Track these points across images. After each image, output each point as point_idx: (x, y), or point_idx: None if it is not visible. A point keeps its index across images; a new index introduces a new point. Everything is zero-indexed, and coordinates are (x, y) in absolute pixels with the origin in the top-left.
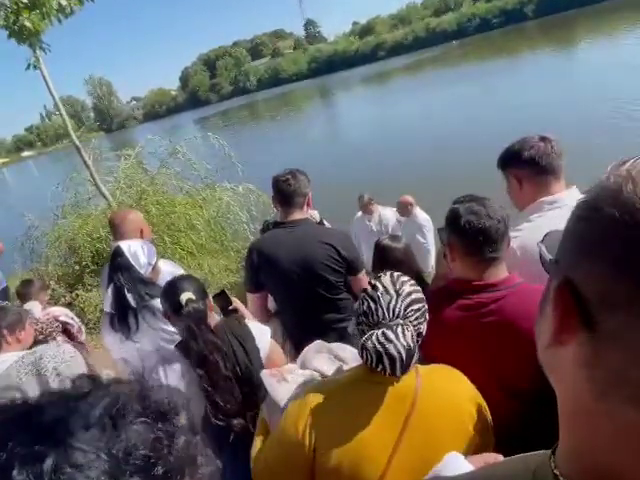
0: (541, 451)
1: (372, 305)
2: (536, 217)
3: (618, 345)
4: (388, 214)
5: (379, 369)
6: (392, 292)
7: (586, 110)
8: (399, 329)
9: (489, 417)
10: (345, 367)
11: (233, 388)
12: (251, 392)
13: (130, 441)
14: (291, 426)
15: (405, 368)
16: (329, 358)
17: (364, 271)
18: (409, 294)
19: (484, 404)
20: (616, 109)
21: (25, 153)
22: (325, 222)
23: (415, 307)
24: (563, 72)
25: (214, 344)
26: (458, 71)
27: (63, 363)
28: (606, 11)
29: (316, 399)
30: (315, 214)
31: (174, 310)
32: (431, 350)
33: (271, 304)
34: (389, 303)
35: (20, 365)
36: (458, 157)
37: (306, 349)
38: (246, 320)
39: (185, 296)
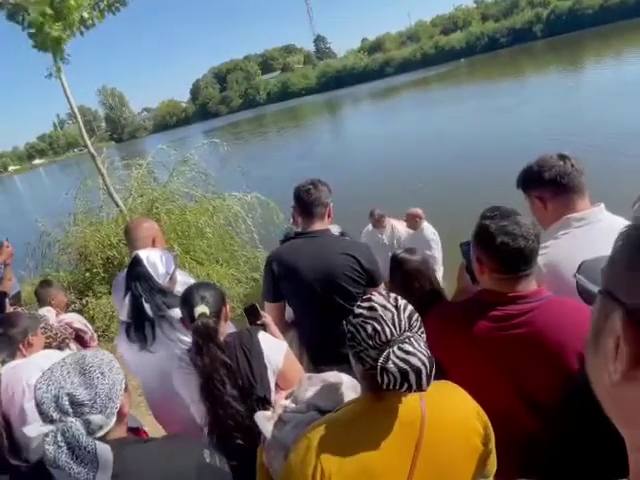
0: None
1: (377, 326)
2: (562, 234)
3: None
4: (399, 227)
5: (404, 388)
6: (391, 308)
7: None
8: (413, 340)
9: (491, 430)
10: (344, 397)
11: (236, 406)
12: (250, 409)
13: None
14: (299, 474)
15: (429, 380)
16: (322, 387)
17: (383, 283)
18: (406, 306)
19: (486, 418)
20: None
21: (36, 161)
22: (346, 236)
23: (415, 317)
24: (568, 93)
25: (220, 361)
26: (466, 89)
27: (106, 364)
28: (614, 32)
29: (321, 439)
30: (335, 229)
31: (190, 320)
32: (457, 358)
33: (288, 315)
34: (393, 319)
35: (63, 365)
36: (464, 170)
37: (299, 381)
38: (260, 334)
39: (199, 310)
